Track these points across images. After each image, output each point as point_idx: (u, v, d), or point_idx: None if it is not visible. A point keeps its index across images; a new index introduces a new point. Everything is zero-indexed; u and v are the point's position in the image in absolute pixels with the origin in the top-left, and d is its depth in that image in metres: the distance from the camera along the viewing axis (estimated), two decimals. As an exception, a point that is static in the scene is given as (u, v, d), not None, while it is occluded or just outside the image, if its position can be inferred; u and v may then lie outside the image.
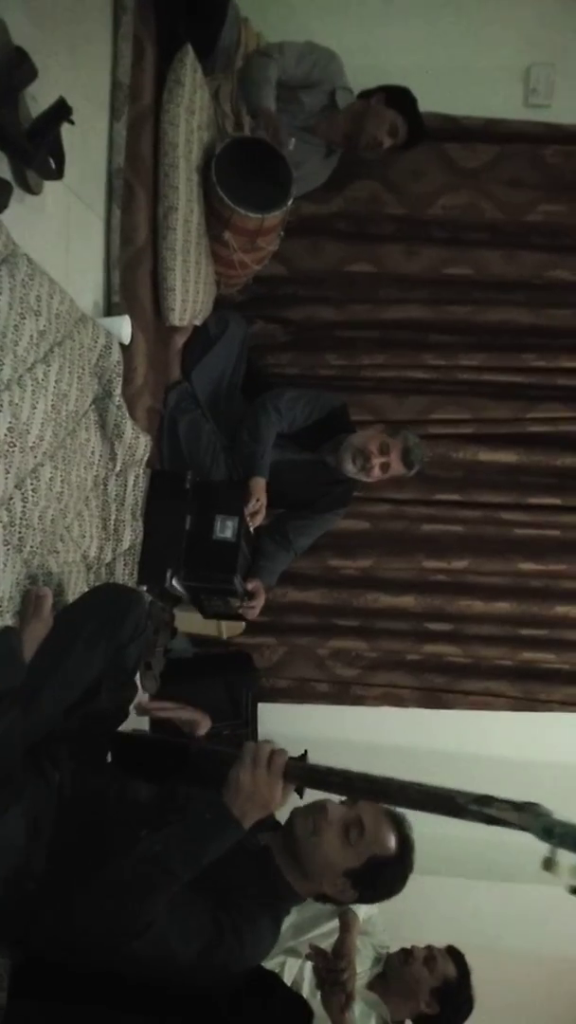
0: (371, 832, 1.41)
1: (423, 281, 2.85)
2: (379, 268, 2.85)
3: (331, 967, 1.99)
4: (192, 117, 2.26)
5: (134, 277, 2.16)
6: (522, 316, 2.85)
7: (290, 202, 2.28)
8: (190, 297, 2.27)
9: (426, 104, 2.79)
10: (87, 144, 2.06)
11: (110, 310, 2.15)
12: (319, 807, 1.43)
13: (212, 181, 2.24)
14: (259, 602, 2.51)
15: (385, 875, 1.42)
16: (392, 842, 1.43)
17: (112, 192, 2.17)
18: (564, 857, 1.05)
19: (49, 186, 1.79)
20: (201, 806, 1.30)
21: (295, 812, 1.45)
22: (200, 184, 2.28)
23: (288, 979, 2.09)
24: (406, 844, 1.45)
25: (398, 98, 2.54)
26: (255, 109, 2.36)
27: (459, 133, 2.85)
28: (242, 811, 1.29)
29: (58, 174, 1.76)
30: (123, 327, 2.06)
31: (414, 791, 1.21)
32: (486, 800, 1.13)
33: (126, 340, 2.07)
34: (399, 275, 2.85)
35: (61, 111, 1.67)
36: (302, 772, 1.34)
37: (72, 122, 1.76)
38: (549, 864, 1.05)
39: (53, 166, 1.74)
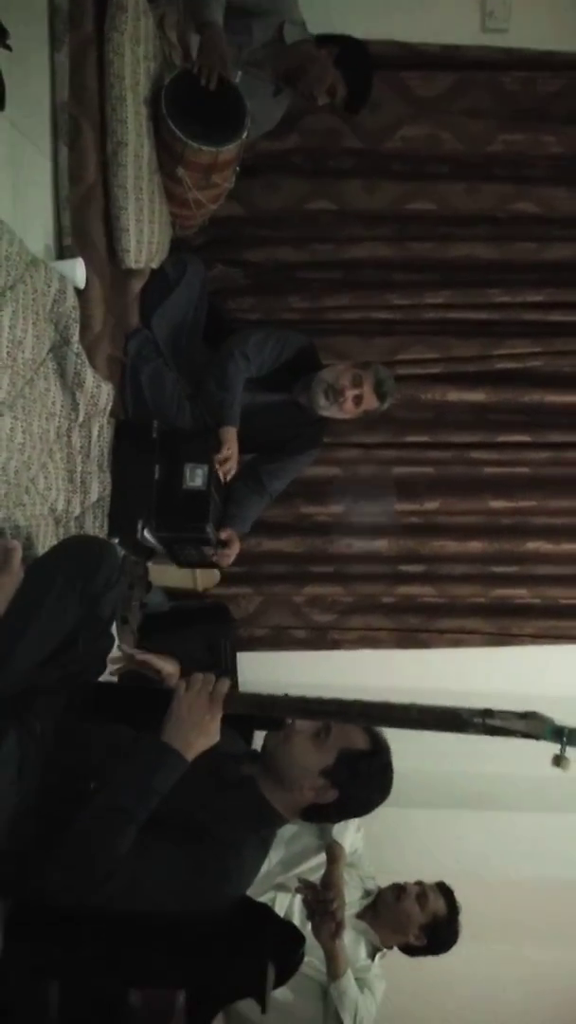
0: (338, 730, 1.43)
1: (385, 217, 2.79)
2: (339, 205, 2.78)
3: (320, 898, 2.04)
4: (137, 47, 2.14)
5: (85, 218, 2.07)
6: (486, 251, 2.81)
7: (245, 134, 2.19)
8: (144, 238, 2.19)
9: (382, 31, 2.71)
10: (28, 76, 1.95)
11: (62, 253, 2.07)
12: (288, 722, 1.45)
13: (162, 114, 2.14)
14: (234, 550, 2.49)
15: (360, 769, 1.43)
16: (361, 737, 1.44)
17: (57, 128, 2.07)
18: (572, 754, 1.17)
19: (-10, 120, 1.69)
20: (140, 745, 1.32)
21: (268, 733, 1.46)
22: (150, 118, 2.18)
23: (279, 913, 2.13)
24: (377, 739, 1.46)
25: (349, 59, 2.40)
26: (200, 24, 2.23)
27: (416, 61, 2.76)
28: (185, 740, 1.30)
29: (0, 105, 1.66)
30: (77, 271, 1.98)
31: (415, 711, 1.22)
32: (489, 713, 1.16)
33: (81, 284, 1.99)
34: (360, 212, 2.78)
35: (-3, 34, 1.57)
36: (246, 699, 1.36)
37: (9, 48, 1.65)
38: (559, 761, 1.15)
39: (-7, 97, 1.64)
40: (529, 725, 1.16)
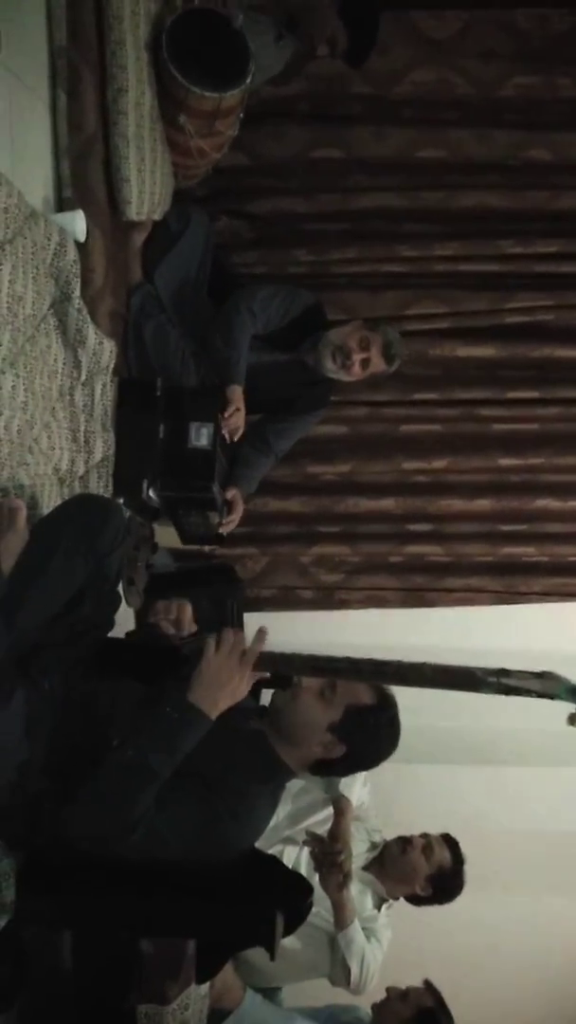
0: (343, 686, 1.43)
1: (394, 166, 2.71)
2: (347, 153, 2.70)
3: (327, 850, 2.07)
4: (137, -14, 2.06)
5: (85, 168, 2.02)
6: (497, 200, 2.73)
7: (249, 79, 2.12)
8: (147, 188, 2.13)
9: (390, -32, 2.60)
10: (23, 18, 1.88)
11: (62, 205, 2.02)
12: (295, 681, 1.45)
13: (163, 58, 2.07)
14: (237, 514, 2.47)
15: (368, 722, 1.43)
16: (367, 692, 1.45)
17: (56, 74, 2.00)
18: None
19: (-16, 65, 1.63)
20: (166, 704, 1.31)
21: (275, 692, 1.47)
22: (151, 63, 2.11)
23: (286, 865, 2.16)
24: (383, 694, 1.46)
25: (353, 11, 2.31)
26: None
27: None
28: (212, 700, 1.30)
29: (-7, 49, 1.60)
30: (77, 223, 1.93)
31: (430, 669, 1.21)
32: (504, 672, 1.15)
33: (81, 237, 1.94)
34: (368, 160, 2.70)
35: (-11, -28, 1.51)
36: (276, 659, 1.34)
37: (3, -13, 1.59)
38: (575, 720, 1.14)
39: (-14, 40, 1.59)
40: (545, 684, 1.15)
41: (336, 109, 2.70)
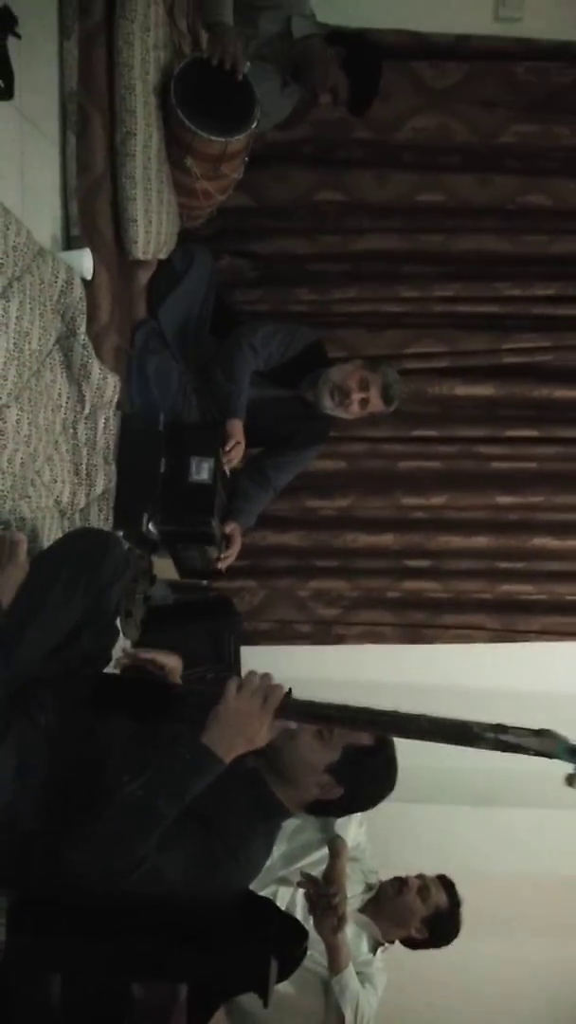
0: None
1: (394, 209, 2.77)
2: (349, 196, 2.76)
3: (322, 892, 2.04)
4: (147, 35, 2.12)
5: (93, 208, 2.06)
6: (496, 243, 2.79)
7: (255, 124, 2.17)
8: (153, 228, 2.17)
9: (393, 21, 2.68)
10: (37, 65, 1.93)
11: (69, 244, 2.06)
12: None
13: (171, 103, 2.12)
14: (234, 549, 2.48)
15: (366, 764, 1.42)
16: (365, 733, 1.43)
17: (66, 117, 2.05)
18: None
19: (-2, 109, 1.68)
20: (180, 746, 1.29)
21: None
22: (159, 107, 2.16)
23: (281, 907, 2.13)
24: (381, 735, 1.45)
25: (356, 63, 2.37)
26: (210, 22, 2.22)
27: (428, 51, 2.73)
28: (228, 745, 1.27)
29: (7, 94, 1.65)
30: (84, 261, 1.97)
31: (425, 721, 1.20)
32: (502, 728, 1.13)
33: (88, 275, 1.98)
34: (369, 203, 2.76)
35: (5, 21, 1.56)
36: (298, 707, 1.32)
37: (19, 36, 1.65)
38: (573, 780, 1.13)
39: (2, 85, 1.63)
40: (543, 743, 1.13)
41: (338, 153, 2.77)
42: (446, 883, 2.38)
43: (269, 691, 1.28)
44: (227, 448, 2.28)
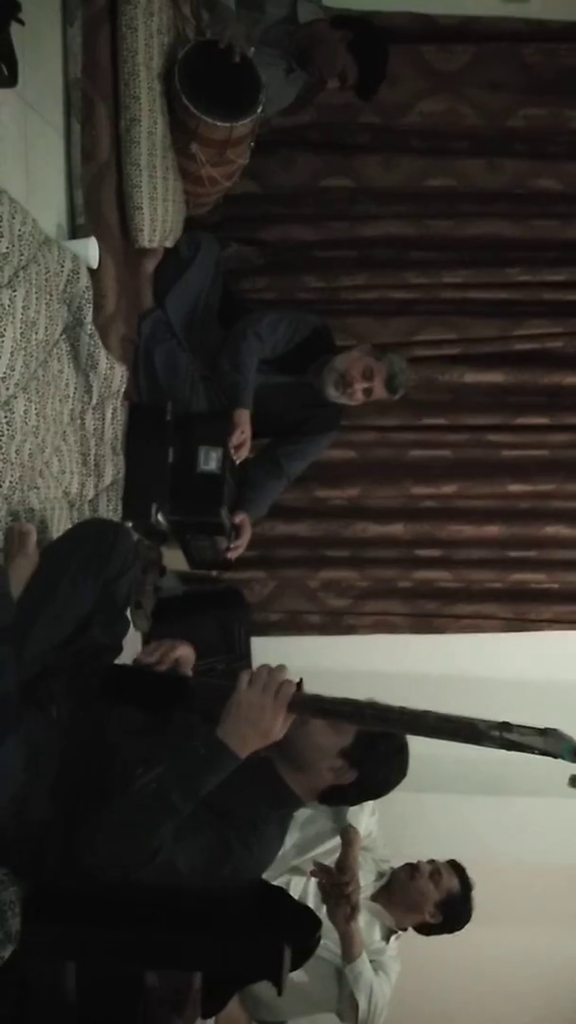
0: None
1: (402, 195, 2.74)
2: (356, 182, 2.73)
3: (335, 881, 2.04)
4: (151, 20, 2.10)
5: (98, 196, 2.04)
6: (506, 229, 2.76)
7: (260, 109, 2.15)
8: (159, 216, 2.15)
9: (399, 3, 2.65)
10: (40, 52, 1.92)
11: (75, 232, 2.04)
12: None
13: (176, 89, 2.10)
14: (244, 539, 2.47)
15: (379, 748, 1.40)
16: None
17: (70, 104, 2.03)
18: None
19: (3, 98, 1.66)
20: (195, 741, 1.28)
21: None
22: (163, 94, 2.14)
23: (294, 896, 2.13)
24: None
25: (362, 45, 2.35)
26: (211, 3, 2.19)
27: (435, 33, 2.70)
28: (242, 740, 1.26)
29: (11, 81, 1.63)
30: (90, 250, 1.95)
31: (432, 718, 1.19)
32: (507, 726, 1.12)
33: (94, 264, 1.96)
34: (377, 189, 2.74)
35: (8, 8, 1.54)
36: (309, 701, 1.30)
37: (22, 22, 1.62)
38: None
39: (5, 72, 1.61)
40: (548, 742, 1.11)
41: (345, 138, 2.74)
42: (457, 867, 2.39)
43: (281, 685, 1.27)
44: (234, 437, 2.27)
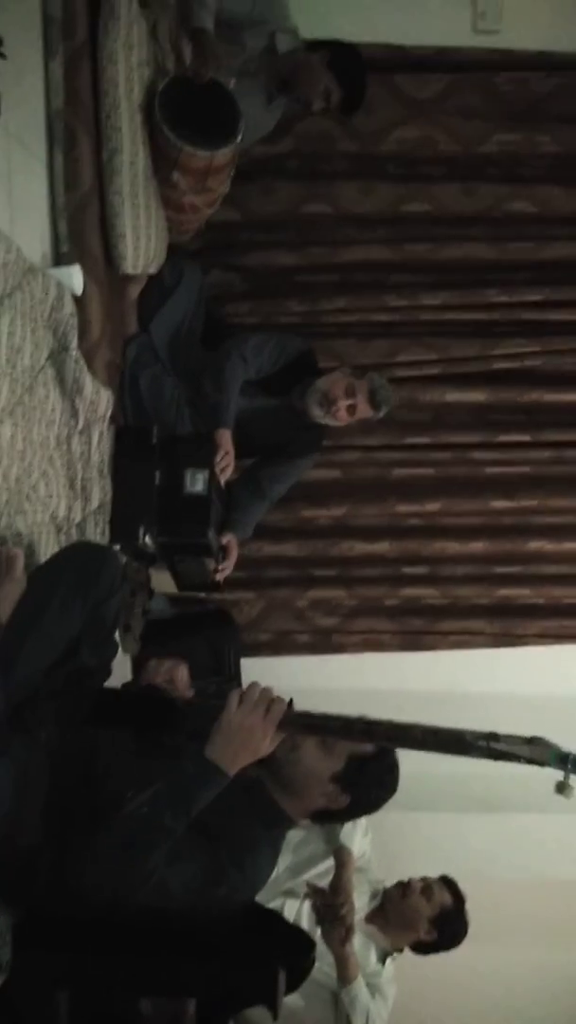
0: None
1: (380, 220, 2.79)
2: (335, 208, 2.78)
3: (329, 903, 2.03)
4: (131, 53, 2.14)
5: (82, 224, 2.07)
6: (482, 251, 2.81)
7: (239, 137, 2.19)
8: (142, 244, 2.19)
9: (373, 34, 2.72)
10: (23, 85, 1.95)
11: (59, 260, 2.06)
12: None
13: (157, 119, 2.14)
14: (231, 560, 2.48)
15: (370, 770, 1.42)
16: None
17: (53, 136, 2.06)
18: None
19: (-15, 129, 1.69)
20: (185, 761, 1.29)
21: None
22: (144, 124, 2.18)
23: (288, 919, 2.12)
24: None
25: (341, 62, 2.42)
26: (192, 28, 2.24)
27: (408, 63, 2.77)
28: (232, 758, 1.27)
29: (-6, 113, 1.66)
30: (74, 277, 1.97)
31: (420, 731, 1.20)
32: (494, 736, 1.14)
33: (78, 291, 1.99)
34: (356, 215, 2.78)
35: (-9, 42, 1.57)
36: (298, 718, 1.32)
37: (3, 55, 1.66)
38: (563, 788, 1.13)
39: (-13, 104, 1.65)
40: (534, 751, 1.14)
41: (323, 166, 2.79)
42: (448, 882, 2.38)
43: (271, 703, 1.28)
44: (217, 458, 2.29)
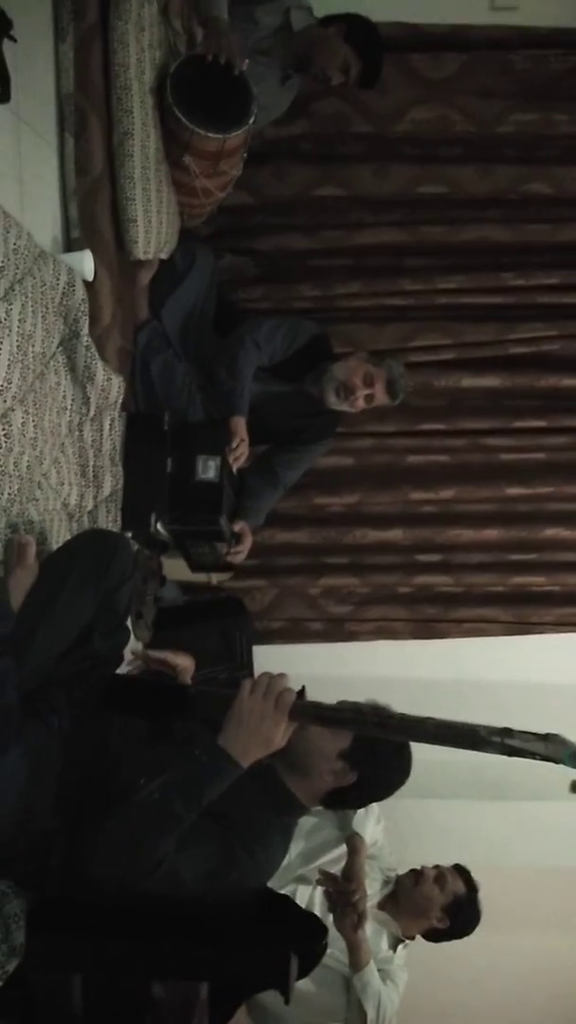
0: None
1: (395, 202, 2.75)
2: (349, 191, 2.75)
3: (342, 889, 2.03)
4: (142, 35, 2.12)
5: (93, 209, 2.05)
6: (498, 234, 2.77)
7: (252, 120, 2.16)
8: (153, 228, 2.17)
9: (388, 13, 2.67)
10: (33, 68, 1.93)
11: (70, 245, 2.05)
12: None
13: (168, 102, 2.12)
14: (245, 546, 2.47)
15: (379, 748, 1.41)
16: None
17: (63, 119, 2.04)
18: None
19: (-5, 112, 1.67)
20: (197, 750, 1.28)
21: None
22: (156, 107, 2.16)
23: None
24: None
25: (358, 33, 2.38)
26: (204, 18, 2.21)
27: (424, 42, 2.72)
28: (244, 748, 1.26)
29: (4, 97, 1.65)
30: (85, 263, 1.96)
31: (433, 725, 1.19)
32: (508, 732, 1.12)
33: (89, 276, 1.97)
34: (370, 197, 2.75)
35: (1, 24, 1.55)
36: (310, 709, 1.31)
37: (14, 39, 1.64)
38: None
39: (-3, 88, 1.63)
40: (549, 748, 1.11)
41: (338, 148, 2.75)
42: (461, 871, 2.38)
43: (281, 693, 1.27)
44: (232, 446, 2.28)
